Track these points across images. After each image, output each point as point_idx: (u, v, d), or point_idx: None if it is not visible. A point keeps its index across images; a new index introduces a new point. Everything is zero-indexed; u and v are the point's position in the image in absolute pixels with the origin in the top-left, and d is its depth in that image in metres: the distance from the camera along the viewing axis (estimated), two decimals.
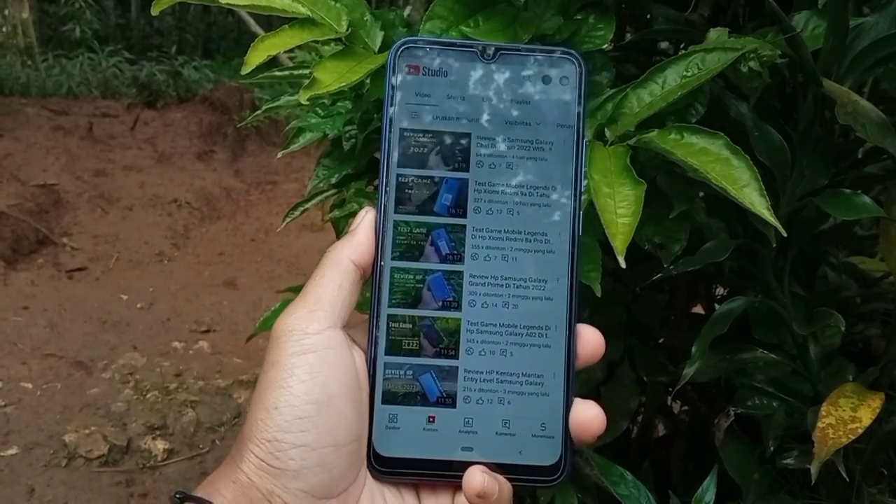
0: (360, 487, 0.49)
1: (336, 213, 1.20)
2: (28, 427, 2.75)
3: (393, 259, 0.52)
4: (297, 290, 1.39)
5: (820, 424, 0.83)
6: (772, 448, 1.00)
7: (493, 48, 0.56)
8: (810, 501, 1.00)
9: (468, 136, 0.55)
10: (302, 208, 1.23)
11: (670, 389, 1.24)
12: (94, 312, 3.70)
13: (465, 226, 0.53)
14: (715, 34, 0.82)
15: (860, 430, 0.81)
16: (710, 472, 0.99)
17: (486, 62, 0.56)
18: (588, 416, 0.52)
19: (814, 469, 0.81)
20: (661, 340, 1.24)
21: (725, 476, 1.01)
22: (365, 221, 0.52)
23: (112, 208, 5.21)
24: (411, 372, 0.50)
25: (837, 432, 0.82)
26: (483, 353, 0.51)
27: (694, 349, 0.93)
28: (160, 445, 2.69)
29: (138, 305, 3.89)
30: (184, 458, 2.67)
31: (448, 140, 0.54)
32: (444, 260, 0.52)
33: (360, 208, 1.06)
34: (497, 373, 0.52)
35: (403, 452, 0.49)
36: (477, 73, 0.56)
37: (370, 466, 0.49)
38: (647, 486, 0.99)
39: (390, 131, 0.54)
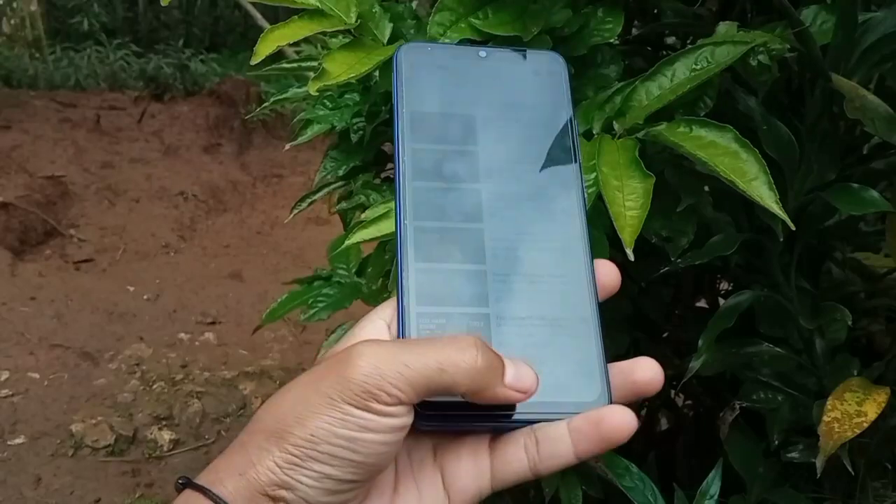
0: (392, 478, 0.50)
1: (343, 204, 1.20)
2: (35, 417, 2.76)
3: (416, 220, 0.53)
4: (302, 282, 1.40)
5: (825, 418, 0.84)
6: (777, 442, 1.00)
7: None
8: (815, 495, 1.01)
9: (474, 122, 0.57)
10: (310, 200, 1.24)
11: (675, 383, 1.24)
12: (101, 304, 3.71)
13: (479, 190, 0.55)
14: (724, 28, 0.82)
15: (865, 425, 0.82)
16: (714, 465, 0.99)
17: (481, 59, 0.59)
18: (647, 376, 0.55)
19: (819, 463, 0.81)
20: (666, 334, 1.25)
21: (730, 469, 1.01)
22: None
23: (119, 200, 5.21)
24: (444, 320, 0.51)
25: (843, 426, 0.82)
26: (511, 299, 0.52)
27: (700, 343, 0.93)
28: (166, 436, 2.70)
29: (145, 297, 3.90)
30: (190, 448, 2.68)
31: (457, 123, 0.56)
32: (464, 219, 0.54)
33: (368, 200, 1.07)
34: (528, 317, 0.52)
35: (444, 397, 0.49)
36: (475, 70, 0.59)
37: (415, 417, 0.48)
38: (651, 479, 0.99)
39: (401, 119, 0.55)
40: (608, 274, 0.56)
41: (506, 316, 0.52)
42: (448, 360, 0.45)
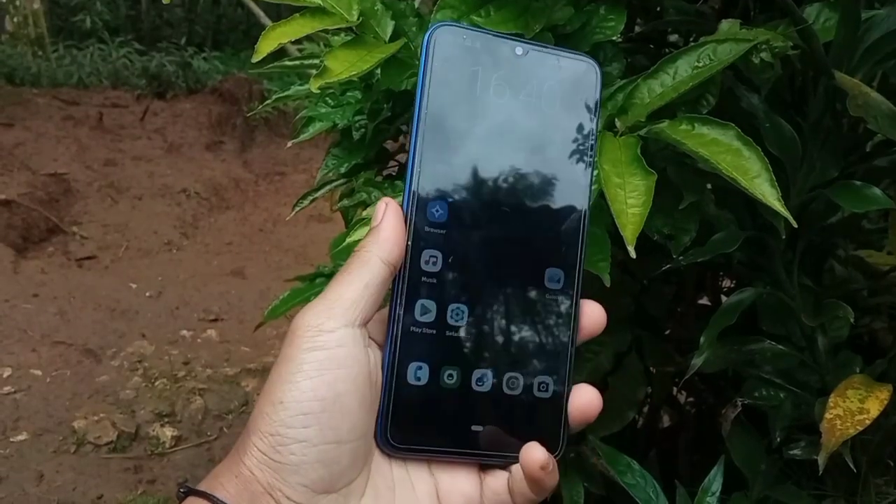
0: (364, 482, 0.49)
1: (345, 202, 1.20)
2: (37, 413, 2.77)
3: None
4: (304, 279, 1.40)
5: (828, 415, 0.83)
6: (779, 439, 1.00)
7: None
8: (816, 492, 1.01)
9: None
10: (311, 197, 1.24)
11: (677, 380, 1.24)
12: (104, 301, 3.71)
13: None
14: (726, 25, 0.82)
15: (868, 422, 0.82)
16: (716, 462, 0.99)
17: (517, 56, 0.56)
18: (585, 400, 0.54)
19: (821, 460, 0.81)
20: (668, 332, 1.25)
21: (732, 466, 1.01)
22: (388, 215, 0.51)
23: (121, 198, 5.22)
24: (427, 347, 0.51)
25: (845, 423, 0.82)
26: (492, 338, 0.52)
27: (702, 340, 0.93)
28: (168, 432, 2.71)
29: (147, 294, 3.91)
30: (192, 445, 2.69)
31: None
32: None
33: (369, 198, 1.07)
34: (505, 351, 0.52)
35: (417, 428, 0.50)
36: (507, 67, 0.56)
37: (384, 443, 0.49)
38: (653, 476, 0.99)
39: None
40: (592, 315, 0.56)
41: (484, 351, 0.52)
42: (355, 276, 0.49)
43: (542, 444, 0.51)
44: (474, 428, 0.51)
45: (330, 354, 0.46)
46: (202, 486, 0.46)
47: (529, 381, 0.53)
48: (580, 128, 0.57)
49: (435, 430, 0.50)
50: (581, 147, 0.57)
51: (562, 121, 0.57)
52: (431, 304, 0.50)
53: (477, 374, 0.51)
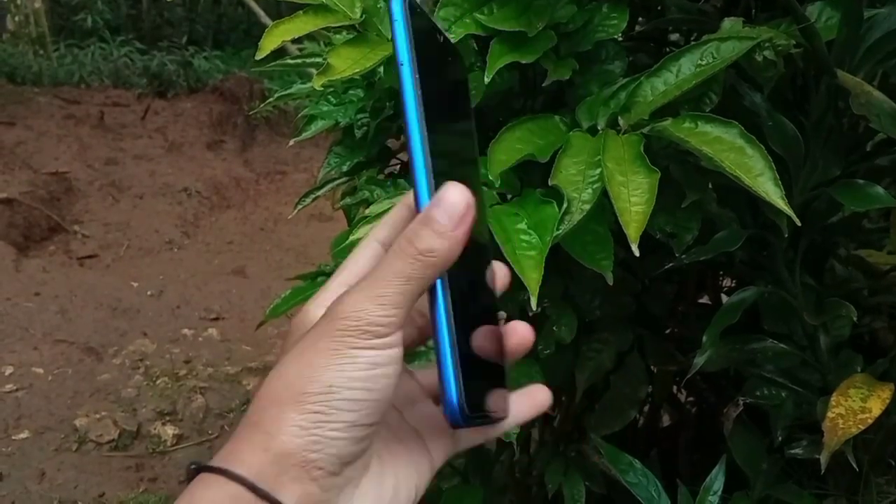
0: (382, 447, 0.51)
1: (347, 200, 1.20)
2: (39, 411, 2.77)
3: None
4: (305, 278, 1.40)
5: (830, 414, 0.83)
6: (780, 438, 1.00)
7: None
8: (818, 491, 1.01)
9: None
10: (313, 196, 1.24)
11: (679, 379, 1.24)
12: (105, 299, 3.72)
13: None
14: (729, 24, 0.82)
15: (870, 421, 0.82)
16: (717, 461, 0.99)
17: None
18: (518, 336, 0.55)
19: (823, 458, 0.81)
20: (669, 331, 1.25)
21: (733, 465, 1.01)
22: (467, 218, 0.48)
23: (123, 197, 5.23)
24: (462, 316, 0.51)
25: (847, 422, 0.82)
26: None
27: (705, 339, 0.93)
28: (170, 431, 2.71)
29: (148, 293, 3.91)
30: (193, 443, 2.69)
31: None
32: None
33: (372, 196, 1.07)
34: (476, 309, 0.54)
35: (478, 395, 0.50)
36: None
37: (461, 416, 0.49)
38: (654, 475, 0.99)
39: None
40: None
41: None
42: (404, 269, 0.46)
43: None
44: (498, 388, 0.53)
45: (383, 355, 0.46)
46: (216, 463, 0.45)
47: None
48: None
49: (485, 394, 0.51)
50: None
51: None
52: (461, 275, 0.51)
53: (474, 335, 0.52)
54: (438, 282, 0.49)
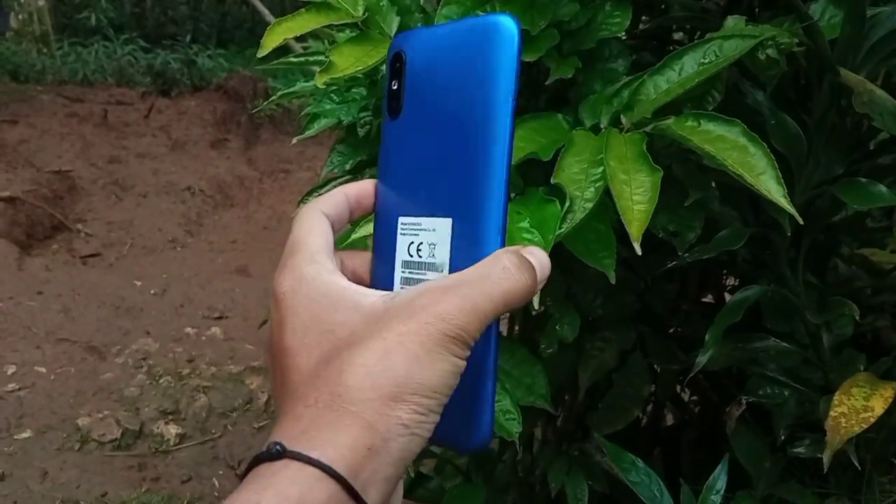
0: None
1: None
2: (42, 411, 2.77)
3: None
4: None
5: (832, 413, 0.83)
6: (783, 437, 1.00)
7: None
8: (821, 490, 1.00)
9: None
10: (316, 194, 1.24)
11: (682, 378, 1.24)
12: (108, 298, 3.72)
13: None
14: (732, 22, 0.82)
15: (872, 420, 0.82)
16: (720, 460, 0.99)
17: None
18: None
19: (826, 457, 0.81)
20: (672, 329, 1.24)
21: (736, 464, 1.01)
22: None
23: (126, 195, 5.23)
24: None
25: (850, 421, 0.82)
26: None
27: (707, 337, 0.93)
28: (172, 430, 2.71)
29: (151, 291, 3.91)
30: (196, 442, 2.69)
31: None
32: None
33: None
34: None
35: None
36: None
37: (487, 438, 0.50)
38: (657, 474, 0.99)
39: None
40: None
41: None
42: (508, 292, 0.47)
43: None
44: None
45: (463, 365, 0.47)
46: (306, 451, 0.42)
47: None
48: None
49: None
50: None
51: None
52: None
53: None
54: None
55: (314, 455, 0.42)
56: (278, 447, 0.42)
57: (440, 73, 0.50)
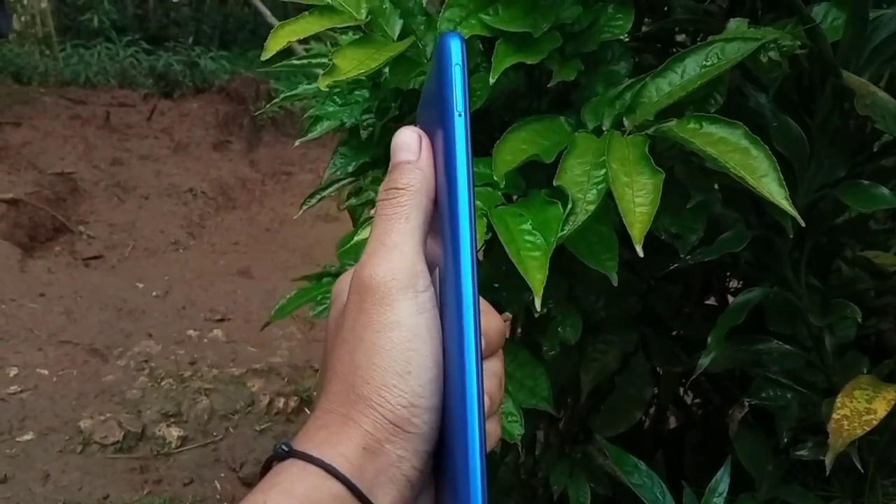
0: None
1: (353, 201, 1.20)
2: (44, 413, 2.77)
3: None
4: (311, 279, 1.40)
5: (835, 415, 0.83)
6: (785, 439, 1.00)
7: None
8: (823, 493, 1.00)
9: None
10: (319, 196, 1.24)
11: (684, 380, 1.24)
12: (110, 300, 3.72)
13: None
14: (734, 24, 0.82)
15: (875, 422, 0.82)
16: (722, 463, 0.99)
17: None
18: None
19: (828, 460, 0.81)
20: (675, 332, 1.24)
21: (739, 467, 1.01)
22: (424, 147, 0.49)
23: (128, 197, 5.23)
24: None
25: (852, 423, 0.82)
26: None
27: (710, 339, 0.93)
28: (174, 432, 2.71)
29: (154, 293, 3.91)
30: (198, 445, 2.69)
31: None
32: None
33: (377, 197, 1.07)
34: None
35: None
36: None
37: None
38: (660, 477, 0.99)
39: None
40: None
41: None
42: (397, 210, 0.47)
43: None
44: None
45: (431, 315, 0.46)
46: (311, 451, 0.43)
47: None
48: None
49: None
50: None
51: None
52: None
53: None
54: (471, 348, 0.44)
55: (315, 454, 0.42)
56: (284, 447, 0.43)
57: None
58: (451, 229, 0.45)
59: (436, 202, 0.48)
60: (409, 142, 0.49)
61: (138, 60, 7.22)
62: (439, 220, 0.47)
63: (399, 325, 0.45)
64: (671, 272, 0.98)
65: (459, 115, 0.45)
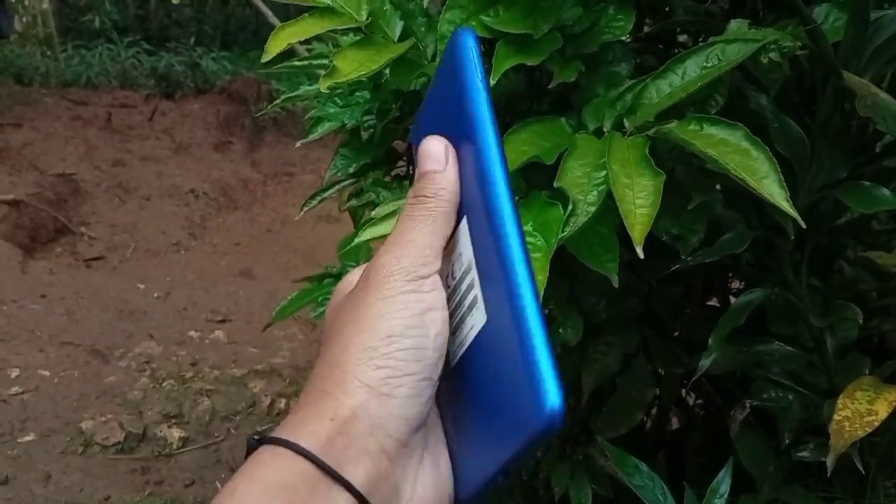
0: (432, 425, 0.49)
1: (354, 202, 1.20)
2: (45, 414, 2.77)
3: None
4: (312, 280, 1.40)
5: (836, 417, 0.83)
6: (787, 440, 1.00)
7: None
8: (825, 494, 1.00)
9: None
10: (320, 197, 1.24)
11: (686, 381, 1.24)
12: (112, 301, 3.72)
13: None
14: (735, 25, 0.82)
15: (877, 423, 0.81)
16: (724, 464, 0.99)
17: None
18: None
19: (830, 461, 0.81)
20: (676, 333, 1.24)
21: (740, 468, 1.01)
22: (451, 158, 0.50)
23: (130, 198, 5.23)
24: None
25: (854, 425, 0.82)
26: None
27: (711, 341, 0.93)
28: (175, 433, 2.71)
29: (155, 294, 3.91)
30: (199, 446, 2.69)
31: None
32: None
33: (378, 198, 1.06)
34: None
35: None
36: None
37: (559, 410, 0.40)
38: (661, 478, 0.99)
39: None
40: None
41: None
42: (424, 213, 0.48)
43: None
44: None
45: (429, 297, 0.46)
46: (282, 434, 0.43)
47: None
48: None
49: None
50: None
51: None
52: None
53: None
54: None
55: (287, 436, 0.43)
56: (255, 437, 0.44)
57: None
58: (490, 223, 0.45)
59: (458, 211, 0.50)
60: (436, 151, 0.50)
61: (140, 61, 7.22)
62: (469, 228, 0.49)
63: (392, 299, 0.46)
64: (672, 273, 0.98)
65: (487, 103, 0.49)
